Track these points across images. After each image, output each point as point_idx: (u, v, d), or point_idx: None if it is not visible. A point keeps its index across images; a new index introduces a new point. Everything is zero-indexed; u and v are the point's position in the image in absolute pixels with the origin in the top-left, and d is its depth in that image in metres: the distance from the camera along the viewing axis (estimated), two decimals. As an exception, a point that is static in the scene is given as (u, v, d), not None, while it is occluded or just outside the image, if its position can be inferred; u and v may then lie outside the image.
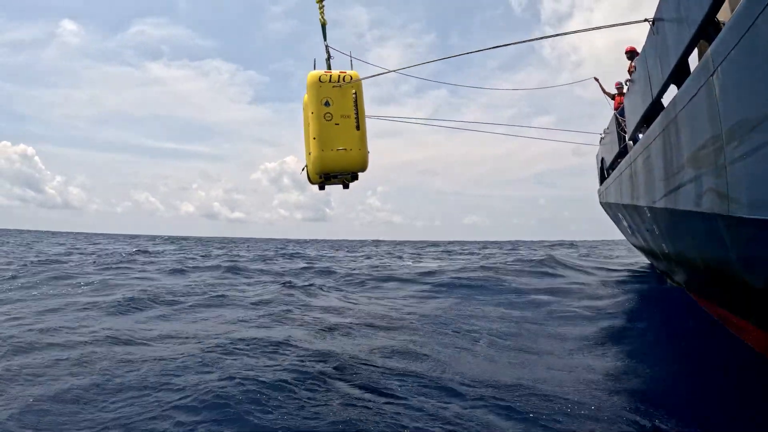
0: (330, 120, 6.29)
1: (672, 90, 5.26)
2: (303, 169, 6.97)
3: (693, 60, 4.76)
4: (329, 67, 6.77)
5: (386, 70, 7.08)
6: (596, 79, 10.43)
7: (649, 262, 13.22)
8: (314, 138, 6.27)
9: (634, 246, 12.95)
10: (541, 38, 7.20)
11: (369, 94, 7.18)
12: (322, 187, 7.06)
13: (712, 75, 3.58)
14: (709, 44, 3.75)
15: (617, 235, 14.61)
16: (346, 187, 6.98)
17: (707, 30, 3.98)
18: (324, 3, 6.72)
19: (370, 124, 6.82)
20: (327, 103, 6.35)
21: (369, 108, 6.92)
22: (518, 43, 6.27)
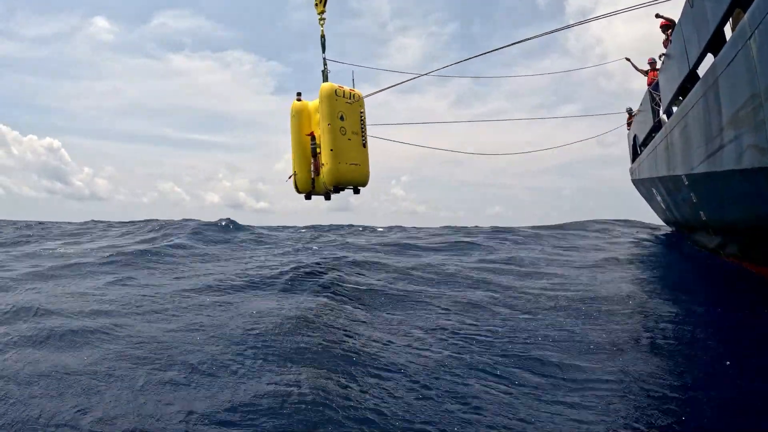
0: (344, 134, 6.35)
1: (708, 60, 5.57)
2: (290, 177, 7.00)
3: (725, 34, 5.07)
4: (326, 80, 6.76)
5: (397, 82, 7.12)
6: (628, 59, 10.70)
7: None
8: (331, 150, 6.31)
9: (667, 222, 13.06)
10: (569, 26, 7.17)
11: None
12: (308, 197, 7.07)
13: (749, 38, 3.93)
14: (744, 12, 4.08)
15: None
16: (327, 198, 7.01)
17: (743, -2, 4.30)
18: (325, 17, 6.88)
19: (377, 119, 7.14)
20: (342, 118, 6.37)
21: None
22: (542, 35, 6.27)
